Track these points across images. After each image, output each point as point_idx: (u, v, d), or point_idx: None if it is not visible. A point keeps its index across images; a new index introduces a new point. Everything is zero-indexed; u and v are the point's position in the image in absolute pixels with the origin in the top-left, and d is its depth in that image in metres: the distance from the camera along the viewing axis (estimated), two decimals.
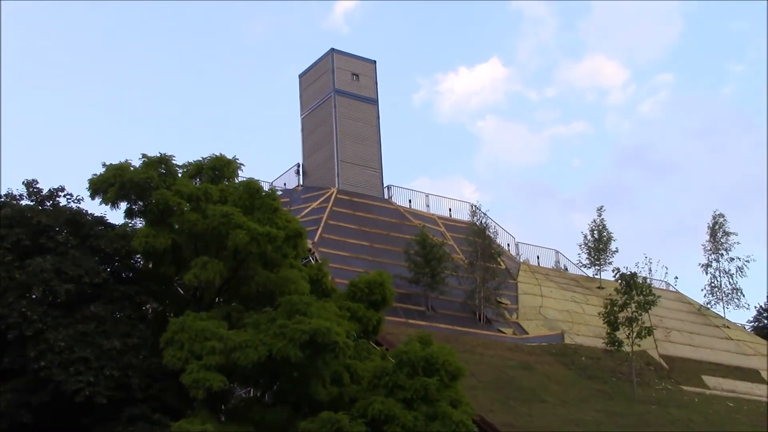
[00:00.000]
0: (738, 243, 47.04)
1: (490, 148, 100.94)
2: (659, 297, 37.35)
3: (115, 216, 33.04)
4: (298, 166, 44.37)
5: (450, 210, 45.07)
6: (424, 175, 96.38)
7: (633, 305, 35.46)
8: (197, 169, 25.02)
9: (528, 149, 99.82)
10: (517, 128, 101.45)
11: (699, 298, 47.39)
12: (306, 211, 39.34)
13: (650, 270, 38.43)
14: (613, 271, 37.27)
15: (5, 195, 24.05)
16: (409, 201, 44.00)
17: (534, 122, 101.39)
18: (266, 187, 28.32)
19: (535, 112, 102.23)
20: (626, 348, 35.24)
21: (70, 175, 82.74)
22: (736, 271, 46.37)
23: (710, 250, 47.11)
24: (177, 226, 23.49)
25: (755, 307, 50.96)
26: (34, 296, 21.89)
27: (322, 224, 38.12)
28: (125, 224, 24.62)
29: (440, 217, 43.97)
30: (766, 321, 50.32)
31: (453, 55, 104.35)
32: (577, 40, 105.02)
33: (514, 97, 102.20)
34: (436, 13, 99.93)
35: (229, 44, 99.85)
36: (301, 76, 46.46)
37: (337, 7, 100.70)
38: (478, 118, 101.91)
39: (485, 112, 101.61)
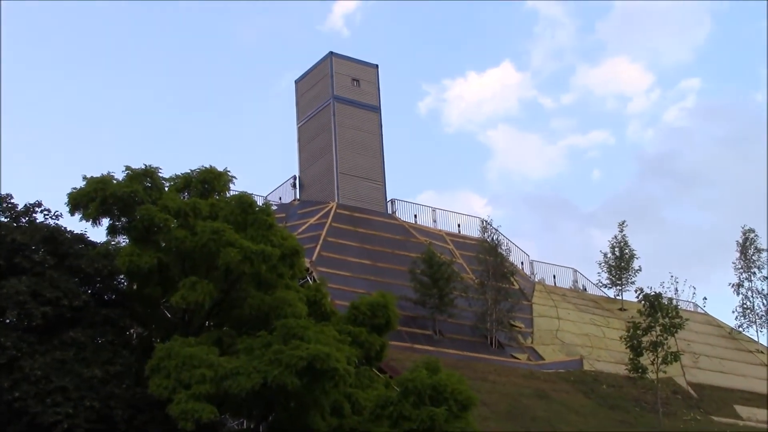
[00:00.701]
0: None
1: (502, 160, 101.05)
2: (686, 320, 37.24)
3: (97, 233, 33.09)
4: (295, 178, 44.41)
5: (459, 226, 45.05)
6: (431, 189, 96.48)
7: (658, 328, 35.35)
8: (185, 182, 25.00)
9: (543, 161, 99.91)
10: (531, 138, 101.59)
11: (730, 320, 47.33)
12: (303, 227, 39.32)
13: (676, 290, 38.38)
14: (636, 291, 37.19)
15: None
16: (415, 216, 44.00)
17: (549, 131, 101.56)
18: (260, 202, 28.31)
19: (551, 120, 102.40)
20: (651, 375, 35.11)
21: (47, 190, 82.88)
22: None
23: (741, 268, 47.03)
24: (164, 244, 23.46)
25: None
26: (8, 320, 21.85)
27: (320, 241, 38.09)
28: (107, 242, 24.58)
29: (448, 234, 43.94)
30: None
31: (462, 60, 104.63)
32: (596, 43, 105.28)
33: (528, 104, 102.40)
34: (443, 13, 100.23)
35: (220, 48, 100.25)
36: (297, 81, 46.54)
37: (336, 7, 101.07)
38: (488, 127, 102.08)
39: (497, 120, 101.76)
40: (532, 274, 45.45)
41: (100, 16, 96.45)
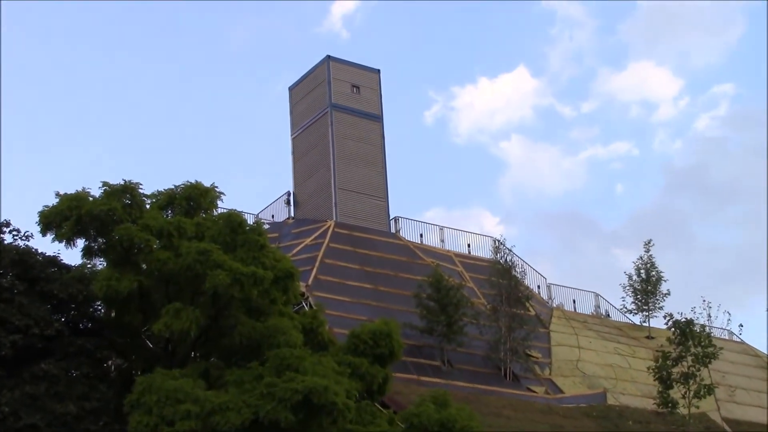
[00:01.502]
0: None
1: (517, 174, 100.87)
2: (721, 349, 37.09)
3: (71, 255, 33.03)
4: (289, 194, 44.41)
5: (469, 246, 45.01)
6: (438, 205, 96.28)
7: (689, 358, 35.22)
8: (168, 199, 25.04)
9: (561, 174, 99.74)
10: (549, 150, 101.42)
11: None
12: (298, 247, 39.30)
13: (709, 316, 38.18)
14: (664, 317, 37.05)
15: None
16: (420, 235, 43.97)
17: (568, 142, 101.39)
18: (251, 220, 28.38)
19: (570, 130, 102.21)
20: (682, 410, 34.96)
21: (16, 208, 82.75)
22: None
23: None
24: (145, 267, 23.48)
25: None
26: None
27: (317, 263, 38.05)
28: (83, 265, 24.59)
29: (457, 255, 43.90)
30: None
31: (472, 64, 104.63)
32: (619, 45, 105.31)
33: (545, 113, 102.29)
34: (451, 14, 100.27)
35: (207, 51, 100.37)
36: (291, 88, 46.63)
37: (335, 8, 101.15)
38: (501, 138, 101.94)
39: (510, 131, 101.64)
40: (550, 298, 45.37)
41: (79, 16, 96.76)
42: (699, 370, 35.18)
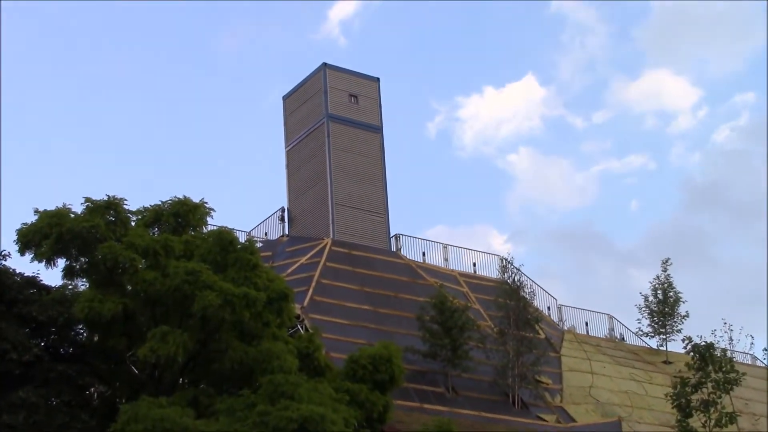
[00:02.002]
0: None
1: (525, 189, 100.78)
2: (744, 374, 36.99)
3: (51, 276, 32.90)
4: (283, 211, 44.40)
5: (474, 265, 44.97)
6: (442, 223, 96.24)
7: (710, 385, 35.14)
8: (155, 215, 25.06)
9: (573, 189, 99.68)
10: (559, 163, 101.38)
11: None
12: (293, 267, 39.27)
13: (731, 339, 38.19)
14: (683, 341, 36.96)
15: None
16: (423, 254, 43.93)
17: (580, 156, 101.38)
18: (242, 238, 28.30)
19: (582, 142, 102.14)
20: None
21: None
22: None
23: None
24: (130, 288, 23.49)
25: None
26: None
27: (313, 284, 38.02)
28: (63, 286, 24.58)
29: (462, 274, 43.87)
30: None
31: (477, 73, 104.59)
32: (634, 52, 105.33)
33: (555, 124, 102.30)
34: (455, 19, 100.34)
35: (196, 59, 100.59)
36: (285, 98, 46.68)
37: (332, 13, 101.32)
38: (509, 151, 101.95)
39: (518, 143, 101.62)
40: (561, 321, 45.32)
41: (62, 25, 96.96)
42: (720, 397, 35.09)
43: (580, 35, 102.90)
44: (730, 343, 37.91)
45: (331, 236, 41.56)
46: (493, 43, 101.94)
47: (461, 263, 44.72)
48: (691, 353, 36.06)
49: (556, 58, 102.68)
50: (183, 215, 25.06)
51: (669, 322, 45.23)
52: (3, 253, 24.47)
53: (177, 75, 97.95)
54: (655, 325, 45.45)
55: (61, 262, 23.95)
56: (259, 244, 29.72)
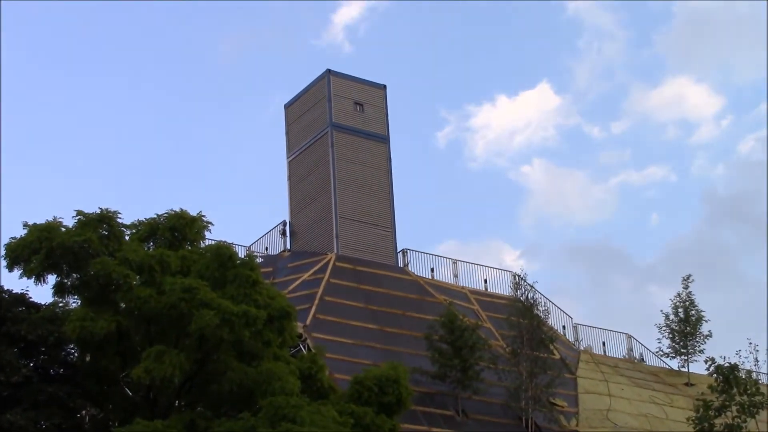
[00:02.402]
0: None
1: (539, 202, 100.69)
2: None
3: (41, 293, 33.01)
4: (285, 224, 44.43)
5: (485, 282, 44.97)
6: (451, 237, 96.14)
7: (734, 408, 35.08)
8: (150, 229, 25.09)
9: (590, 203, 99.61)
10: (575, 175, 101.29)
11: None
12: (295, 283, 39.29)
13: (756, 361, 38.04)
14: (705, 362, 36.94)
15: None
16: (431, 270, 43.91)
17: (597, 167, 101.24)
18: (242, 253, 28.37)
19: (599, 153, 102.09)
20: None
21: None
22: None
23: None
24: (123, 306, 23.50)
25: None
26: None
27: (316, 301, 38.03)
28: (54, 303, 24.59)
29: (473, 291, 43.86)
30: None
31: (489, 81, 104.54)
32: (654, 59, 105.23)
33: (571, 134, 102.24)
34: (466, 25, 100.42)
35: (193, 66, 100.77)
36: (287, 106, 46.75)
37: (336, 18, 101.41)
38: (522, 162, 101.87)
39: (532, 154, 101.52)
40: (577, 340, 45.27)
41: (53, 28, 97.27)
42: (745, 421, 35.04)
43: (597, 40, 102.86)
44: (755, 365, 37.77)
45: (335, 251, 41.57)
46: (506, 48, 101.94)
47: (472, 280, 44.73)
48: (715, 375, 36.00)
49: (572, 64, 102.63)
50: (179, 229, 25.08)
51: (691, 342, 45.12)
52: None
53: (173, 83, 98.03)
54: (677, 345, 45.34)
55: (52, 279, 23.99)
56: (259, 260, 29.75)
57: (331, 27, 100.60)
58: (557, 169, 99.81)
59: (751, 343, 40.72)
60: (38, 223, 23.76)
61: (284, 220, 44.52)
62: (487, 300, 43.44)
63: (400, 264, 43.18)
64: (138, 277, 23.42)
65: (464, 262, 45.04)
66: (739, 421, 34.94)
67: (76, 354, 24.59)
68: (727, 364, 35.91)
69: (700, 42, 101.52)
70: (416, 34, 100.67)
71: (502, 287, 44.32)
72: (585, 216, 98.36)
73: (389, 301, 40.32)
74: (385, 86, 46.02)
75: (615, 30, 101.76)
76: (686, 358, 45.27)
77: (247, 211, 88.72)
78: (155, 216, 25.41)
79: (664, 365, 46.27)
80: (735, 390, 35.35)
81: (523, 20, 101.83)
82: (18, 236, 23.59)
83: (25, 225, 23.77)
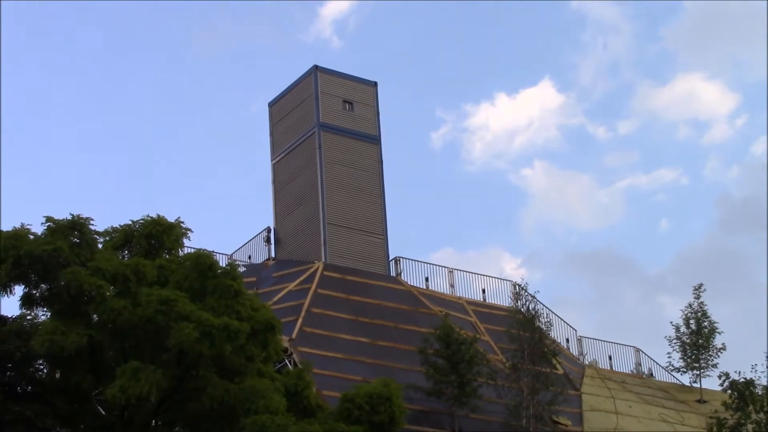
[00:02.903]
0: None
1: (541, 207, 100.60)
2: None
3: (8, 305, 32.89)
4: (269, 231, 44.40)
5: (484, 292, 44.95)
6: (447, 245, 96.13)
7: (750, 426, 35.11)
8: (125, 237, 25.06)
9: (595, 208, 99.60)
10: (579, 179, 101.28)
11: None
12: (280, 294, 39.26)
13: None
14: (719, 377, 36.96)
15: None
16: (426, 279, 43.91)
17: (603, 170, 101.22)
18: (223, 262, 28.31)
19: (605, 155, 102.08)
20: None
21: None
22: None
23: None
24: (96, 319, 23.43)
25: None
26: None
27: (302, 313, 38.01)
28: (22, 316, 24.52)
29: (470, 302, 43.86)
30: None
31: (487, 78, 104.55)
32: (663, 54, 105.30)
33: (574, 134, 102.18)
34: (463, 18, 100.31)
35: (170, 62, 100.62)
36: (271, 104, 46.73)
37: (324, 11, 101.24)
38: (523, 165, 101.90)
39: (533, 156, 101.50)
40: (581, 354, 45.28)
41: (16, 22, 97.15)
42: None
43: (602, 35, 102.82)
44: None
45: (323, 259, 41.55)
46: (506, 43, 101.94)
47: (469, 290, 44.71)
48: (729, 391, 36.02)
49: (575, 60, 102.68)
50: (156, 236, 25.04)
51: (703, 356, 45.13)
52: None
53: (148, 79, 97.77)
54: (688, 359, 45.34)
55: (19, 290, 23.94)
56: (241, 269, 29.70)
57: (318, 21, 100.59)
58: (560, 172, 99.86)
59: None
60: (5, 230, 23.71)
61: (268, 227, 44.49)
62: (485, 311, 43.44)
63: (393, 273, 43.18)
64: (112, 288, 23.39)
65: (461, 270, 45.08)
66: None
67: (45, 370, 24.53)
68: (742, 380, 35.94)
69: (713, 36, 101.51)
70: (410, 28, 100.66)
71: (502, 298, 44.36)
72: (590, 222, 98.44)
73: (381, 312, 40.31)
74: (376, 83, 46.04)
75: (621, 23, 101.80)
76: (698, 372, 45.27)
77: (229, 217, 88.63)
78: (130, 222, 25.38)
79: (675, 381, 46.29)
80: (751, 407, 35.37)
81: (523, 13, 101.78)
82: None
83: None
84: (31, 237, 23.75)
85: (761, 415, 35.32)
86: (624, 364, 46.32)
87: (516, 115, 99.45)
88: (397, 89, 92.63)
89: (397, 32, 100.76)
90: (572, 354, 44.85)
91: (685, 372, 45.65)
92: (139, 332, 22.86)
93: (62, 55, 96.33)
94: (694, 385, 45.51)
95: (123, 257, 24.80)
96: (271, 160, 45.71)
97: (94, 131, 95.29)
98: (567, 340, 45.14)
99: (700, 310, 45.54)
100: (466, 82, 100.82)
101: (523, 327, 38.92)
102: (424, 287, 43.43)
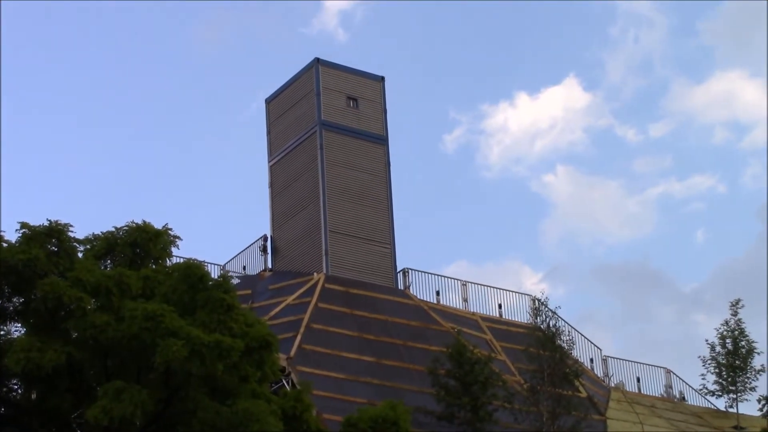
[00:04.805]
0: None
1: (565, 217, 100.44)
2: None
3: None
4: (265, 239, 44.46)
5: (500, 307, 44.99)
6: (461, 257, 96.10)
7: None
8: (108, 245, 25.12)
9: (624, 217, 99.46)
10: (607, 186, 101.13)
11: None
12: (278, 308, 39.31)
13: None
14: (758, 401, 37.06)
15: None
16: (437, 293, 43.94)
17: (633, 176, 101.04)
18: (215, 273, 28.35)
19: (635, 160, 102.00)
20: None
21: None
22: None
23: None
24: (76, 335, 23.47)
25: None
26: None
27: (302, 329, 38.06)
28: None
29: (485, 318, 43.89)
30: None
31: (507, 75, 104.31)
32: (699, 50, 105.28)
33: (602, 137, 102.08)
34: (480, 10, 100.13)
35: (164, 56, 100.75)
36: (268, 101, 46.77)
37: (329, 2, 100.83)
38: (545, 170, 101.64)
39: (556, 161, 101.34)
40: (607, 376, 45.30)
41: (19, 18, 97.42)
42: None
43: (633, 28, 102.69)
44: None
45: (325, 271, 41.58)
46: (526, 38, 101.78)
47: (484, 305, 44.76)
48: None
49: (603, 56, 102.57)
50: (142, 245, 25.09)
51: (740, 378, 45.08)
52: None
53: (139, 74, 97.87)
54: (724, 382, 45.30)
55: None
56: (235, 281, 29.82)
57: (322, 13, 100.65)
58: (586, 178, 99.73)
59: None
60: None
61: (265, 235, 44.56)
62: (501, 328, 43.47)
63: (401, 286, 43.20)
64: (93, 300, 23.41)
65: (475, 284, 45.06)
66: None
67: (20, 390, 24.58)
68: None
69: (754, 31, 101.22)
70: (422, 20, 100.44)
71: (520, 314, 44.37)
72: (618, 233, 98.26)
73: (387, 329, 40.34)
74: (383, 78, 46.03)
75: (654, 16, 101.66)
76: (735, 396, 45.24)
77: (222, 224, 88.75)
78: (113, 229, 25.43)
79: (710, 405, 46.31)
80: None
81: (546, 6, 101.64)
82: None
83: None
84: (5, 245, 23.80)
85: None
86: (653, 387, 46.39)
87: (538, 116, 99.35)
88: (407, 86, 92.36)
89: (408, 24, 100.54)
90: (597, 375, 44.86)
91: (720, 396, 45.63)
92: (123, 349, 22.90)
93: (58, 50, 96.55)
94: (730, 410, 45.48)
95: (105, 267, 24.84)
96: (268, 162, 45.75)
97: (77, 131, 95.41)
98: (591, 360, 45.16)
99: (737, 328, 45.45)
100: (482, 80, 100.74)
101: (542, 345, 38.93)
102: (435, 302, 43.47)
